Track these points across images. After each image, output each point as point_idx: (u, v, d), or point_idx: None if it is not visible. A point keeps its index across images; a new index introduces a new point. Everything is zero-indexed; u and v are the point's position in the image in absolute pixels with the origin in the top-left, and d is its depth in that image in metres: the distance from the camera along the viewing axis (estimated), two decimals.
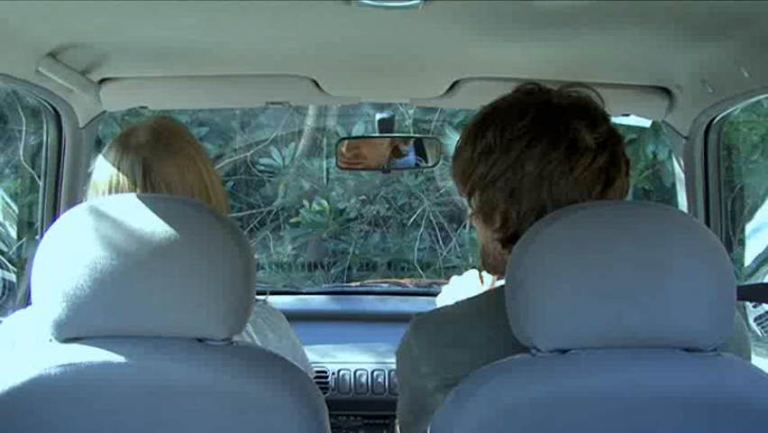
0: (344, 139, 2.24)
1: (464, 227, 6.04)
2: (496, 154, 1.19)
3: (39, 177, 1.93)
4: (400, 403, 1.26)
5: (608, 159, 1.18)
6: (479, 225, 1.27)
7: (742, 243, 3.02)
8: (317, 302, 2.50)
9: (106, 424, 1.03)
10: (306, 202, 5.87)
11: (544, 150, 1.16)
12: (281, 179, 5.98)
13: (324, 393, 1.14)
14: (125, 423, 1.04)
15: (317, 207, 5.85)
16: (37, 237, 1.96)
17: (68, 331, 1.04)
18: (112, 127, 5.54)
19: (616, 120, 1.42)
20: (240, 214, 5.85)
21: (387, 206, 6.11)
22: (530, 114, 1.18)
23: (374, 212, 6.08)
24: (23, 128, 3.65)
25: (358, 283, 3.01)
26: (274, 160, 5.89)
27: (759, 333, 2.66)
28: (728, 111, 1.72)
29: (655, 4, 1.22)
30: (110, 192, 1.25)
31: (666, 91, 1.75)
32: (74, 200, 1.88)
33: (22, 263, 2.41)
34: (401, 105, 5.19)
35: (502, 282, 1.14)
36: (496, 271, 1.31)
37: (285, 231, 5.96)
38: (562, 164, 1.16)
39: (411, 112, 5.63)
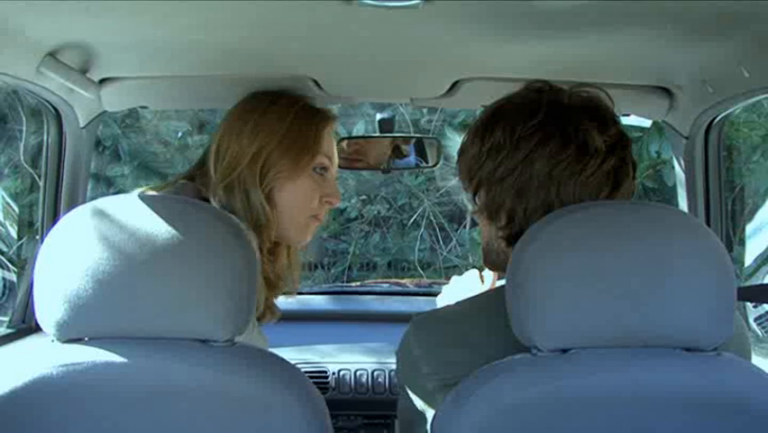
0: (344, 139, 2.23)
1: (464, 227, 6.04)
2: (505, 151, 1.18)
3: (39, 177, 1.93)
4: (400, 403, 1.26)
5: (617, 161, 1.18)
6: (483, 222, 1.27)
7: (742, 243, 3.02)
8: (317, 302, 2.50)
9: (108, 424, 1.04)
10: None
11: (554, 149, 1.16)
12: None
13: (325, 393, 1.14)
14: (127, 424, 1.04)
15: None
16: (37, 237, 1.96)
17: (69, 332, 1.05)
18: (112, 128, 5.54)
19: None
20: None
21: (387, 206, 6.12)
22: (541, 112, 1.18)
23: (374, 212, 6.08)
24: (24, 128, 3.65)
25: (358, 283, 3.01)
26: None
27: (759, 333, 2.66)
28: (729, 111, 1.72)
29: (655, 4, 1.22)
30: None
31: (666, 91, 1.75)
32: (75, 200, 1.88)
33: (22, 263, 2.41)
34: (401, 105, 5.19)
35: (502, 282, 1.14)
36: (498, 268, 1.30)
37: None
38: (572, 165, 1.16)
39: (408, 110, 5.62)
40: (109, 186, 5.58)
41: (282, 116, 1.55)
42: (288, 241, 1.60)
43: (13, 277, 2.55)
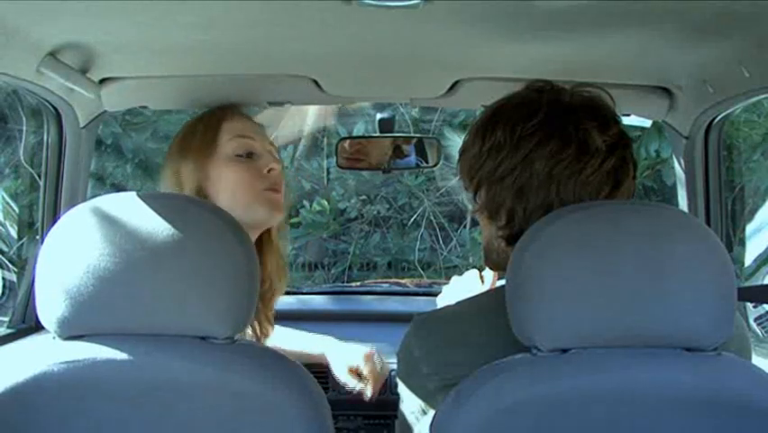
0: (345, 139, 2.23)
1: (464, 227, 6.04)
2: (505, 151, 1.19)
3: (39, 177, 1.93)
4: (401, 404, 1.26)
5: (617, 161, 1.18)
6: (483, 222, 1.27)
7: (742, 243, 3.02)
8: (317, 302, 2.50)
9: (108, 421, 1.04)
10: (306, 202, 5.87)
11: (553, 149, 1.16)
12: None
13: (325, 393, 1.14)
14: (127, 420, 1.04)
15: (318, 207, 5.85)
16: (37, 237, 1.96)
17: (70, 329, 1.05)
18: (112, 127, 5.55)
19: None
20: None
21: (387, 206, 6.12)
22: (541, 112, 1.18)
23: (374, 212, 6.09)
24: (24, 128, 3.65)
25: (358, 283, 3.01)
26: None
27: (759, 333, 2.66)
28: (729, 111, 1.72)
29: (655, 4, 1.22)
30: None
31: (667, 91, 1.75)
32: (74, 200, 1.88)
33: (22, 264, 2.41)
34: (401, 105, 5.19)
35: (502, 282, 1.14)
36: (499, 268, 1.30)
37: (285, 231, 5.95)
38: (572, 164, 1.16)
39: (414, 111, 5.63)
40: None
41: (179, 132, 1.66)
42: (262, 221, 1.63)
43: (14, 277, 2.55)
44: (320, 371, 2.00)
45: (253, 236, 1.62)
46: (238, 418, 1.04)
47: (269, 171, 1.62)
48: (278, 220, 1.68)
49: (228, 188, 1.58)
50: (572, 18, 1.29)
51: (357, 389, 1.82)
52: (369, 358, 1.85)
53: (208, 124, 1.63)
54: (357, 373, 1.84)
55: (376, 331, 2.07)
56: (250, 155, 1.61)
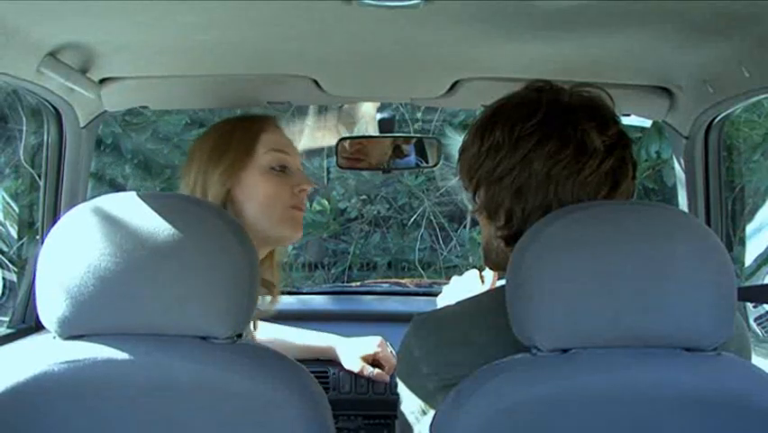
0: (345, 138, 2.23)
1: (464, 227, 6.04)
2: (504, 151, 1.18)
3: (39, 177, 1.93)
4: (401, 404, 1.26)
5: (615, 162, 1.18)
6: (482, 222, 1.27)
7: (742, 243, 3.02)
8: (318, 302, 2.50)
9: (109, 421, 1.04)
10: (306, 202, 5.86)
11: (552, 149, 1.16)
12: None
13: (325, 393, 1.14)
14: (128, 420, 1.04)
15: (318, 207, 5.85)
16: (37, 238, 1.96)
17: (71, 329, 1.05)
18: (112, 127, 5.55)
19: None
20: None
21: (387, 206, 6.12)
22: (540, 112, 1.18)
23: (374, 212, 6.08)
24: (24, 128, 3.65)
25: (358, 283, 3.00)
26: None
27: (759, 333, 2.66)
28: (729, 111, 1.72)
29: (655, 4, 1.23)
30: None
31: (667, 91, 1.75)
32: (74, 200, 1.88)
33: (22, 264, 2.41)
34: (401, 105, 5.19)
35: (502, 282, 1.14)
36: (498, 267, 1.31)
37: None
38: (571, 165, 1.16)
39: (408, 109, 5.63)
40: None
41: (211, 134, 1.64)
42: (284, 238, 1.63)
43: (14, 277, 2.55)
44: (320, 372, 2.01)
45: (266, 250, 1.62)
46: (238, 418, 1.04)
47: (300, 191, 1.62)
48: (298, 239, 1.68)
49: (258, 199, 1.57)
50: (572, 18, 1.29)
51: (375, 373, 1.95)
52: (382, 344, 1.99)
53: (246, 133, 1.61)
54: (370, 361, 1.97)
55: (376, 331, 2.07)
56: (283, 169, 1.61)
